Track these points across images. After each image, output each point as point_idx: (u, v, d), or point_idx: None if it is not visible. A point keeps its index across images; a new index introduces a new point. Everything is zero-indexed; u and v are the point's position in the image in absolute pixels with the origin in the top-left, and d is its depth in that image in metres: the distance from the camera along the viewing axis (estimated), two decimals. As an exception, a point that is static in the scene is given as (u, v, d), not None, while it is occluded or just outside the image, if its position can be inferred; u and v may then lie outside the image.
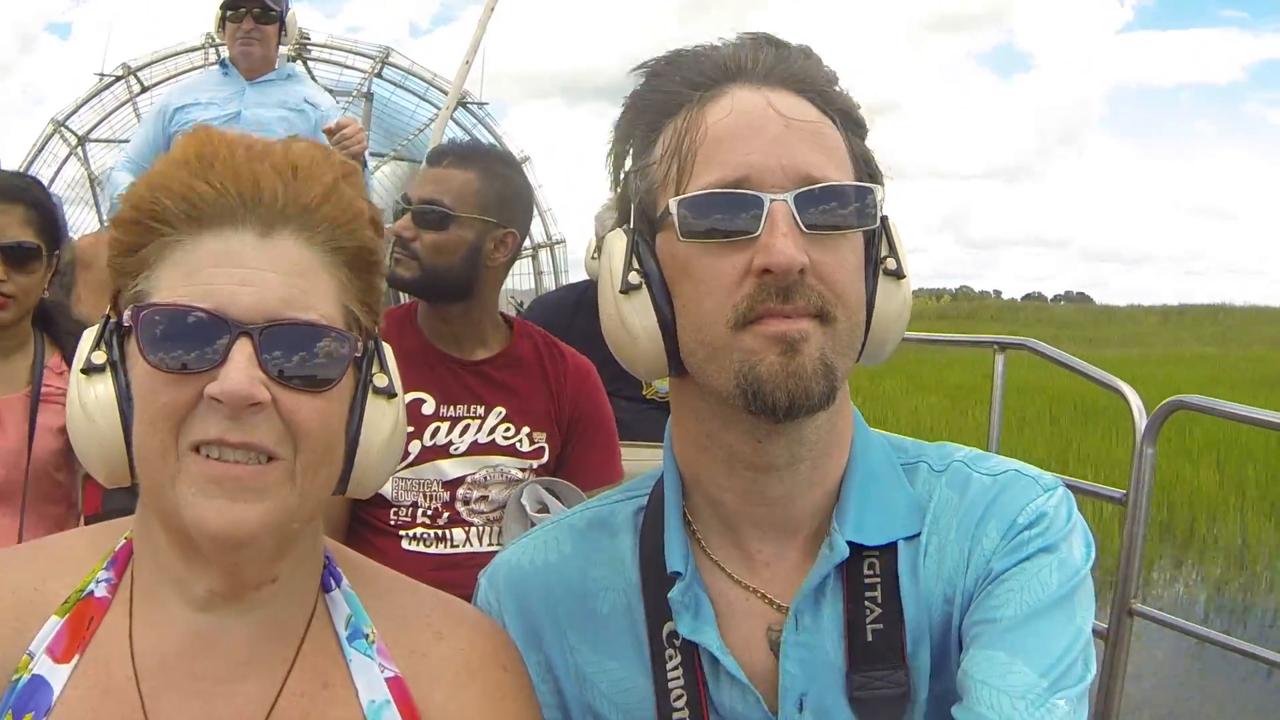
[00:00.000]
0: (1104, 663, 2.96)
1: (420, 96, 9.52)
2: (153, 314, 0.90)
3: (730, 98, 1.05)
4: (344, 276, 0.97)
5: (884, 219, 1.09)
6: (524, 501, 2.27)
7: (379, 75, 8.96)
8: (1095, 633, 2.94)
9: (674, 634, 1.09)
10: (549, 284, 9.62)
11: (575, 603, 1.16)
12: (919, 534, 1.09)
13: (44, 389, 2.44)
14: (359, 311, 0.98)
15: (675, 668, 1.09)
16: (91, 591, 0.97)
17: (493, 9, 6.89)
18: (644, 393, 3.75)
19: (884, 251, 1.08)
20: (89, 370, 0.94)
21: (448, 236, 2.27)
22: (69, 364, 2.51)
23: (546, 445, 2.38)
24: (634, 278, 1.07)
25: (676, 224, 1.03)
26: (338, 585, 1.06)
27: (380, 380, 1.01)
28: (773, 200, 1.00)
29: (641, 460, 2.59)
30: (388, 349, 1.04)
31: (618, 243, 1.10)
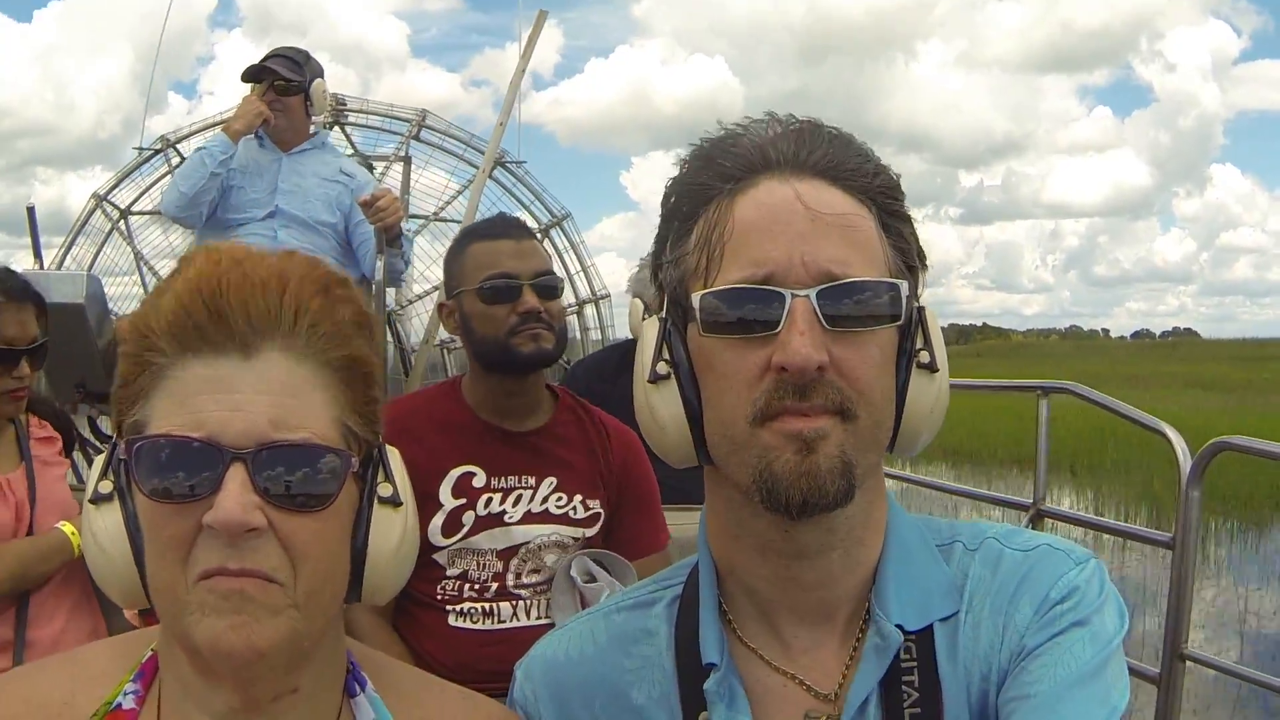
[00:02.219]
0: (1159, 709, 2.94)
1: (459, 157, 9.62)
2: (146, 446, 0.91)
3: (760, 189, 1.06)
4: (336, 390, 0.97)
5: (920, 309, 1.09)
6: (573, 574, 2.28)
7: (416, 138, 9.07)
8: (1145, 676, 2.95)
9: None
10: (595, 338, 9.64)
11: (611, 696, 1.16)
12: (955, 613, 1.09)
13: (35, 458, 2.56)
14: (354, 424, 0.98)
15: None
16: (119, 704, 0.98)
17: (524, 71, 6.98)
18: None
19: (919, 344, 1.08)
20: (97, 500, 0.96)
21: (561, 306, 2.36)
22: (46, 420, 2.67)
23: (601, 511, 2.40)
24: (662, 368, 1.08)
25: (699, 318, 1.05)
26: (362, 690, 1.06)
27: (385, 490, 1.01)
28: (794, 296, 1.01)
29: (692, 524, 2.62)
30: (394, 454, 1.05)
31: (650, 331, 1.12)
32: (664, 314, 1.12)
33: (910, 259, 1.11)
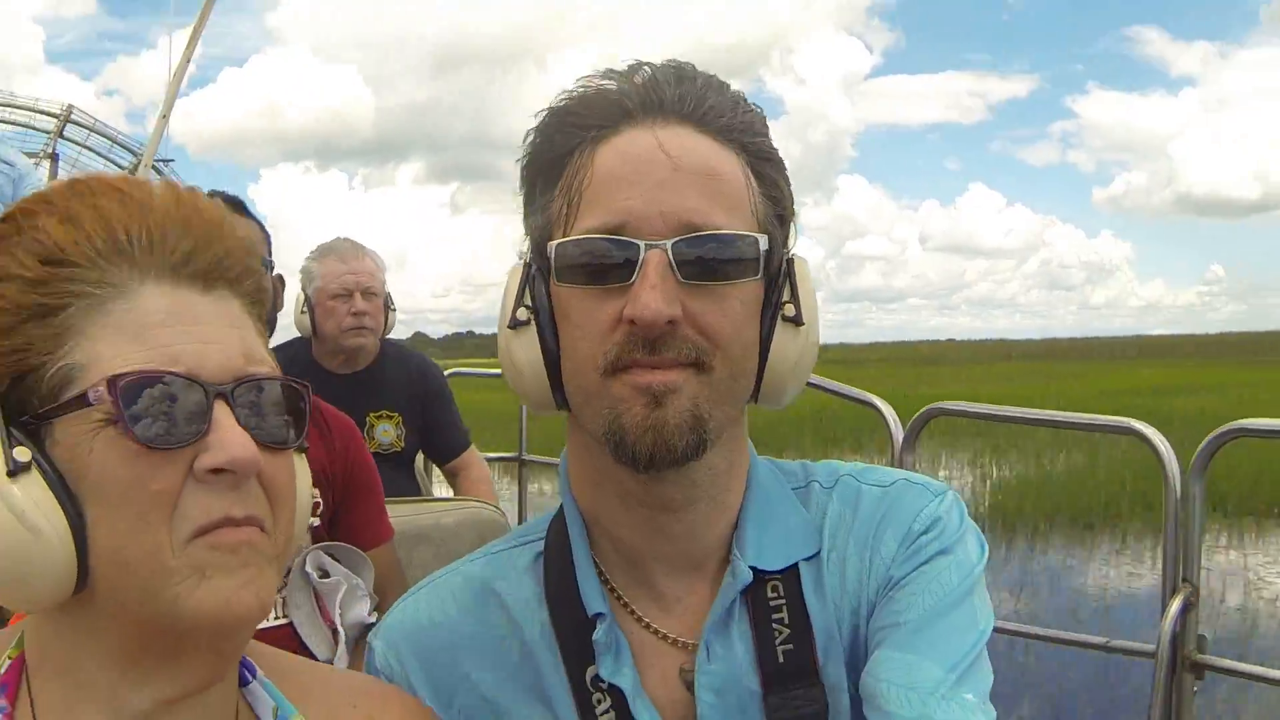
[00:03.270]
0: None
1: (104, 156, 8.82)
2: (132, 385, 0.77)
3: (622, 137, 1.03)
4: (261, 325, 0.91)
5: (789, 262, 1.08)
6: (308, 569, 2.12)
7: (62, 135, 8.25)
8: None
9: (598, 678, 1.06)
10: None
11: (483, 654, 1.11)
12: (818, 553, 1.10)
13: None
14: (275, 362, 0.91)
15: (606, 711, 1.06)
16: None
17: (189, 60, 6.50)
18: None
19: (785, 296, 1.07)
20: (16, 472, 0.76)
21: None
22: None
23: (321, 502, 2.25)
24: (522, 313, 1.06)
25: (553, 266, 1.02)
26: (254, 677, 0.95)
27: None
28: (649, 248, 0.98)
29: (401, 515, 2.52)
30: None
31: (514, 277, 1.09)
32: (528, 260, 1.09)
33: (781, 207, 1.09)
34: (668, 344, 0.98)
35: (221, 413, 0.79)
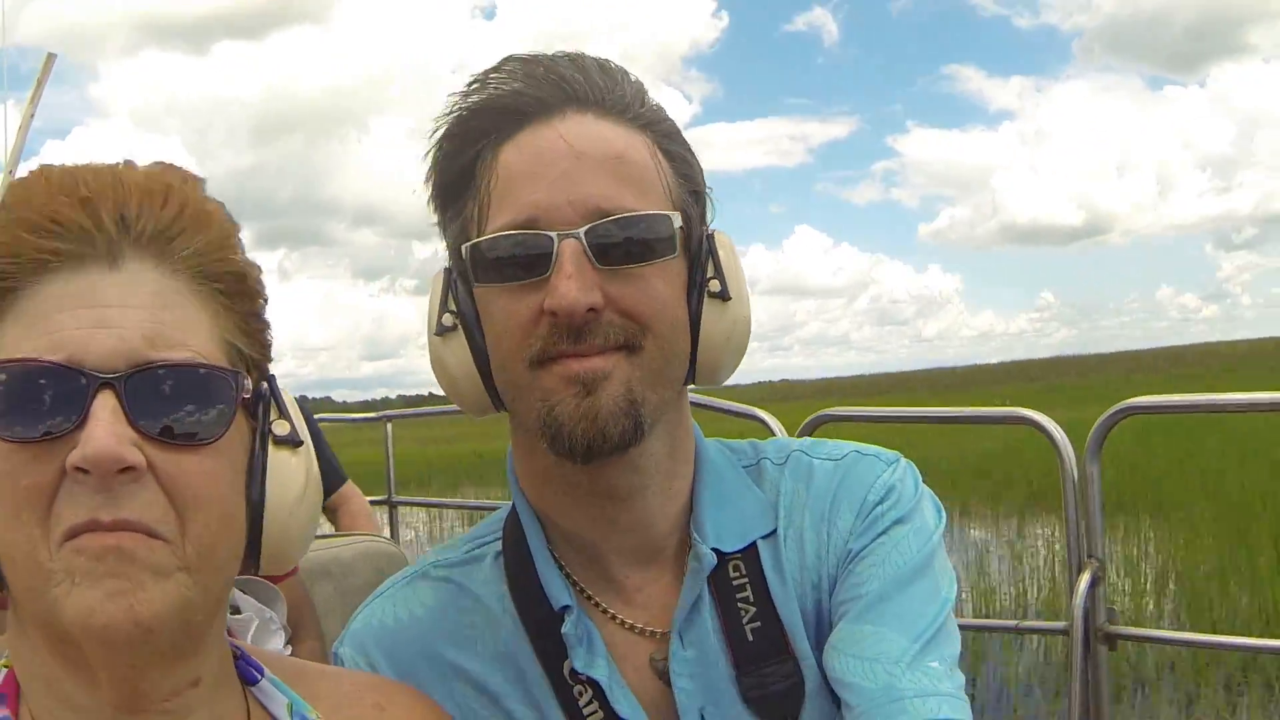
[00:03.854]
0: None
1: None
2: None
3: (523, 134, 1.03)
4: (218, 305, 0.82)
5: (710, 238, 1.08)
6: None
7: None
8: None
9: (575, 671, 1.05)
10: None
11: (455, 653, 1.09)
12: (775, 530, 1.10)
13: None
14: (242, 344, 0.83)
15: (590, 702, 1.04)
16: None
17: (32, 116, 6.12)
18: None
19: (710, 272, 1.06)
20: None
21: None
22: None
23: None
24: (448, 320, 1.05)
25: (470, 269, 1.02)
26: (261, 675, 0.89)
27: (281, 428, 0.85)
28: (562, 238, 0.98)
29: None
30: (285, 390, 0.88)
31: (436, 285, 1.08)
32: (448, 266, 1.09)
33: (694, 183, 1.09)
34: (593, 331, 0.98)
35: (101, 404, 0.73)
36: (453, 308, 1.06)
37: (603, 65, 1.06)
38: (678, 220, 1.04)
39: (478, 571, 1.13)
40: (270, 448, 0.83)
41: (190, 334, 0.78)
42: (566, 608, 1.05)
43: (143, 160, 0.83)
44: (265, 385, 0.86)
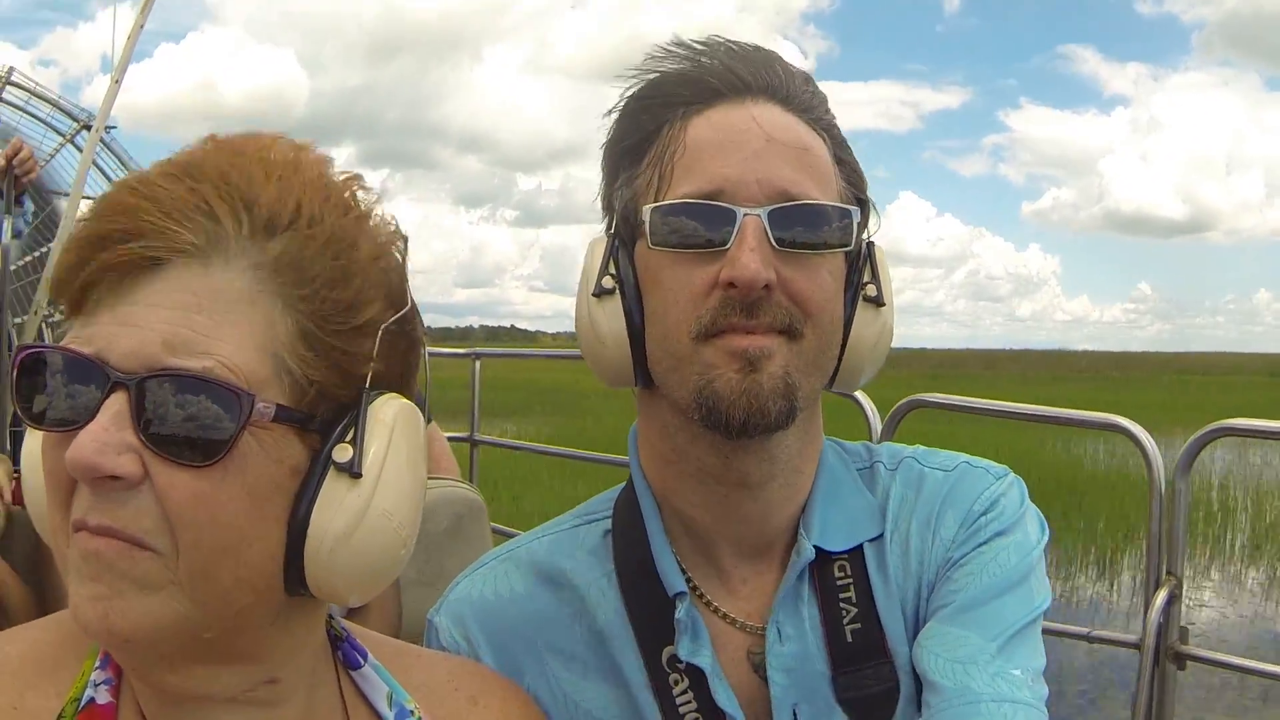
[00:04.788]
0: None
1: (45, 122, 8.55)
2: (27, 360, 0.74)
3: (715, 111, 1.04)
4: (287, 309, 0.76)
5: (870, 244, 1.10)
6: None
7: (0, 98, 7.99)
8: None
9: (675, 658, 1.06)
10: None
11: (554, 631, 1.10)
12: (882, 534, 1.11)
13: None
14: (297, 361, 0.76)
15: (684, 692, 1.05)
16: (91, 698, 0.77)
17: (142, 25, 6.30)
18: None
19: (866, 277, 1.08)
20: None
21: None
22: None
23: None
24: (608, 282, 1.05)
25: (648, 231, 1.02)
26: (365, 660, 0.90)
27: (342, 453, 0.77)
28: (745, 214, 0.99)
29: None
30: (387, 413, 0.81)
31: (598, 247, 1.08)
32: (612, 231, 1.10)
33: (861, 192, 1.11)
34: (763, 308, 0.99)
35: (112, 404, 0.71)
36: (613, 271, 1.06)
37: (787, 64, 1.09)
38: (857, 215, 1.06)
39: (581, 548, 1.15)
40: (331, 474, 0.77)
41: (220, 341, 0.73)
42: (681, 594, 1.06)
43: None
44: (334, 408, 0.79)
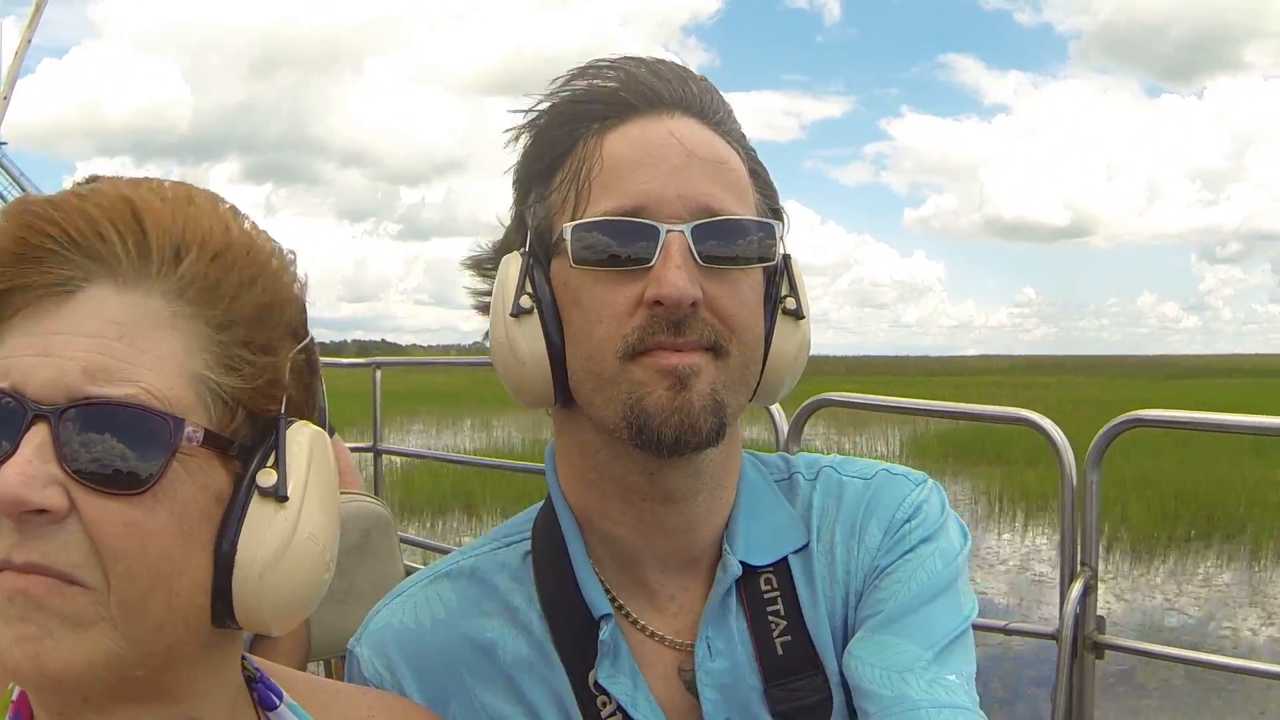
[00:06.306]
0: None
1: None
2: None
3: (631, 125, 1.03)
4: (205, 332, 0.75)
5: (786, 257, 1.10)
6: None
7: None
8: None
9: (600, 683, 1.05)
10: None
11: (477, 657, 1.08)
12: (806, 545, 1.11)
13: None
14: (221, 381, 0.75)
15: (613, 714, 1.04)
16: None
17: (29, 41, 6.11)
18: None
19: (784, 290, 1.09)
20: None
21: None
22: None
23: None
24: (525, 301, 1.03)
25: (569, 250, 1.00)
26: (280, 700, 0.87)
27: (267, 478, 0.77)
28: (669, 231, 0.98)
29: None
30: (302, 438, 0.80)
31: (512, 265, 1.05)
32: (526, 249, 1.07)
33: (774, 203, 1.11)
34: (690, 325, 0.98)
35: (33, 437, 0.69)
36: (530, 290, 1.04)
37: (701, 79, 1.08)
38: (779, 229, 1.06)
39: (504, 570, 1.13)
40: (255, 499, 0.76)
41: (142, 368, 0.72)
42: (605, 615, 1.05)
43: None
44: (254, 431, 0.79)
